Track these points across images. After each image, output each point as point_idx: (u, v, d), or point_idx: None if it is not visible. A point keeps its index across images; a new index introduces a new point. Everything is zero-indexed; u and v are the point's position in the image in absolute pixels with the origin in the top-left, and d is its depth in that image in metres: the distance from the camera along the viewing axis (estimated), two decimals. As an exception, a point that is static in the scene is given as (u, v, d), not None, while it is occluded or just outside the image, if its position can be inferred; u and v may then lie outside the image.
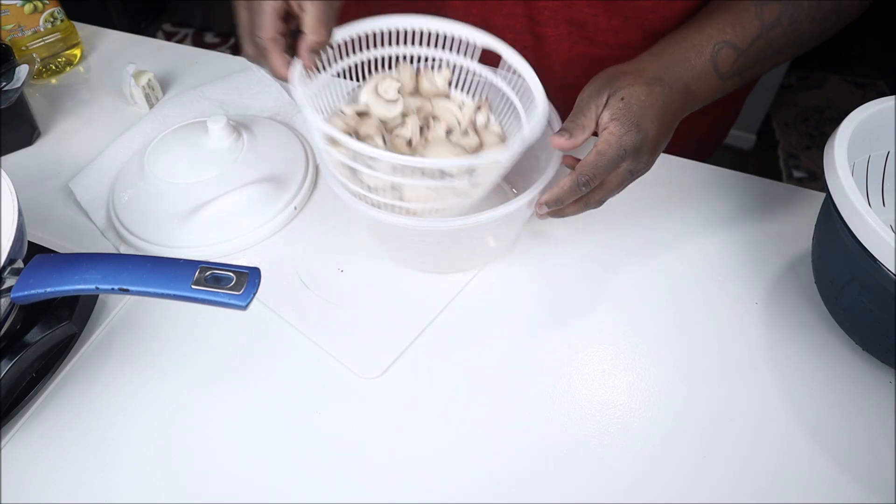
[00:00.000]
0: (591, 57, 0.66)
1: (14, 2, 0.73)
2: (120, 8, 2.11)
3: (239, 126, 0.63)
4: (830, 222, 0.45)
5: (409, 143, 0.52)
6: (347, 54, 0.53)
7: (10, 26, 0.74)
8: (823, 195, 0.47)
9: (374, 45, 0.54)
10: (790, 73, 2.00)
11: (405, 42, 0.54)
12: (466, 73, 0.55)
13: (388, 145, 0.51)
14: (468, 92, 0.57)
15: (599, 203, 0.49)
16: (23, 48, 0.76)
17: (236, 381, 0.50)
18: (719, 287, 0.54)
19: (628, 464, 0.44)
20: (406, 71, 0.55)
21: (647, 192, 0.62)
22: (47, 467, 0.45)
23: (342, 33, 0.51)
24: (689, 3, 0.58)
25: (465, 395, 0.48)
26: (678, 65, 0.49)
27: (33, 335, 0.47)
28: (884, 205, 0.54)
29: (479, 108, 0.55)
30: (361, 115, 0.53)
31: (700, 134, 0.75)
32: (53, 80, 0.80)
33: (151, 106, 0.75)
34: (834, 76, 2.01)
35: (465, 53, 0.54)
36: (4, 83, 0.65)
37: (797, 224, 0.58)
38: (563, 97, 0.55)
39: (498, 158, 0.44)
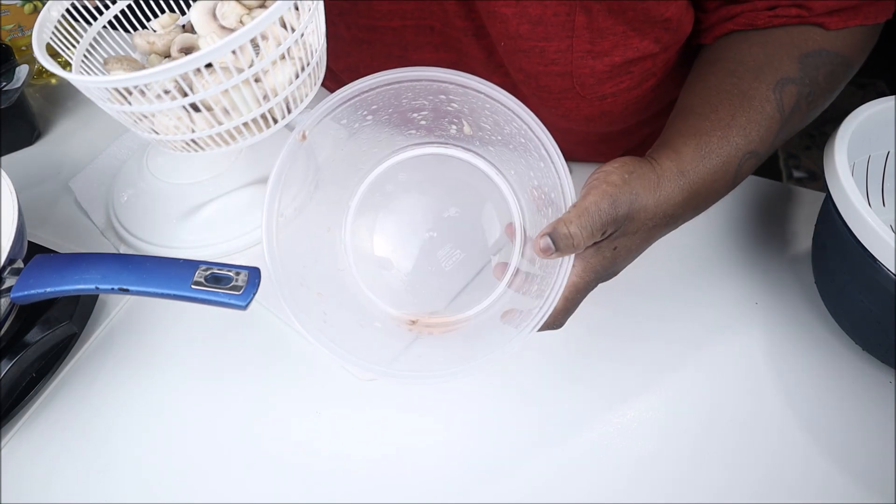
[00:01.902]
0: None
1: (14, 2, 0.73)
2: (120, 8, 2.11)
3: (239, 126, 0.63)
4: (830, 222, 0.45)
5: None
6: None
7: (10, 26, 0.74)
8: (823, 195, 0.47)
9: None
10: (790, 73, 2.00)
11: None
12: None
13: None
14: None
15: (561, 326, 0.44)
16: (23, 48, 0.76)
17: (236, 381, 0.50)
18: (719, 287, 0.54)
19: (628, 464, 0.44)
20: None
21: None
22: (47, 467, 0.45)
23: None
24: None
25: (465, 395, 0.48)
26: (704, 191, 0.43)
27: (33, 335, 0.47)
28: (884, 205, 0.54)
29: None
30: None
31: None
32: (53, 80, 0.80)
33: (151, 106, 0.75)
34: (834, 76, 2.01)
35: None
36: (4, 83, 0.65)
37: (797, 224, 0.58)
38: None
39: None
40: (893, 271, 0.40)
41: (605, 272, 0.43)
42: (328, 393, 0.49)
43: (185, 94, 0.38)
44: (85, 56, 0.45)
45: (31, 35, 0.43)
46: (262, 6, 0.43)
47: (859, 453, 0.44)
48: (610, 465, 0.44)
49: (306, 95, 0.43)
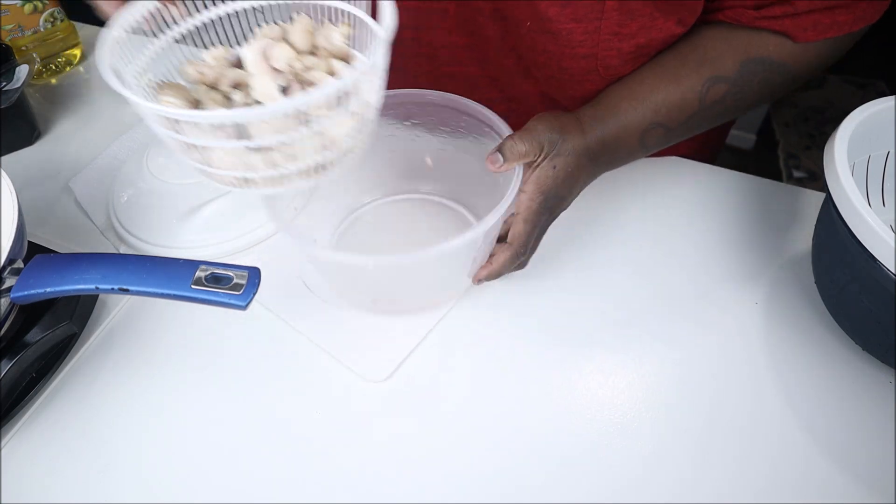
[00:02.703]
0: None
1: (14, 2, 0.73)
2: (120, 8, 2.11)
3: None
4: (830, 222, 0.45)
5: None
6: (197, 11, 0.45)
7: (10, 26, 0.74)
8: (823, 195, 0.47)
9: None
10: (790, 73, 2.00)
11: None
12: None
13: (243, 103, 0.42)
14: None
15: (526, 264, 0.52)
16: (23, 48, 0.76)
17: (236, 381, 0.50)
18: (719, 287, 0.54)
19: (628, 464, 0.44)
20: (303, 25, 0.44)
21: (646, 191, 0.62)
22: (47, 467, 0.45)
23: None
24: None
25: (465, 395, 0.48)
26: (612, 142, 0.51)
27: (33, 335, 0.47)
28: (884, 205, 0.54)
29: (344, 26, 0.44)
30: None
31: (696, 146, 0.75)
32: (53, 80, 0.80)
33: (151, 106, 0.75)
34: (834, 76, 2.00)
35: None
36: (4, 83, 0.65)
37: (797, 224, 0.58)
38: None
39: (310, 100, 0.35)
40: (893, 271, 0.40)
41: (552, 194, 0.48)
42: (328, 393, 0.49)
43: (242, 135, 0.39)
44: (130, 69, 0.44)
45: (31, 35, 0.43)
46: (313, 53, 0.45)
47: (859, 453, 0.44)
48: (610, 465, 0.44)
49: (362, 143, 0.44)
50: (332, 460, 0.45)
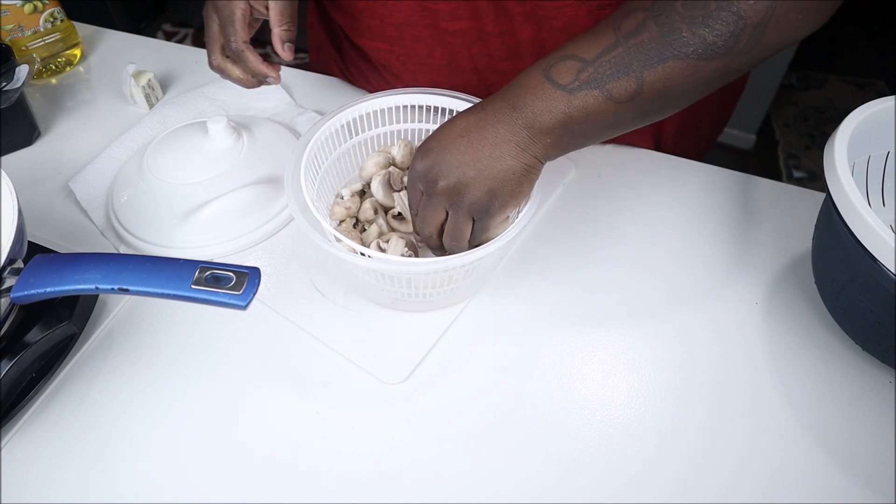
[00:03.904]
0: None
1: (14, 2, 0.73)
2: (120, 8, 2.11)
3: (239, 126, 0.63)
4: (830, 222, 0.45)
5: (399, 215, 0.56)
6: (342, 141, 0.57)
7: (10, 26, 0.74)
8: (823, 195, 0.47)
9: (367, 128, 0.58)
10: (790, 73, 2.00)
11: (393, 121, 0.59)
12: None
13: (386, 223, 0.56)
14: None
15: (451, 249, 0.49)
16: (23, 48, 0.76)
17: (236, 381, 0.50)
18: (719, 287, 0.54)
19: (628, 464, 0.44)
20: (406, 147, 0.58)
21: (646, 191, 0.62)
22: (47, 467, 0.45)
23: (332, 122, 0.54)
24: None
25: (465, 396, 0.48)
26: (505, 91, 0.45)
27: (33, 335, 0.47)
28: (884, 205, 0.54)
29: None
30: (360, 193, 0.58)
31: (690, 135, 0.75)
32: (53, 80, 0.80)
33: (151, 106, 0.75)
34: (834, 76, 2.00)
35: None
36: (4, 83, 0.65)
37: (797, 224, 0.58)
38: None
39: (490, 251, 0.45)
40: (893, 271, 0.40)
41: (427, 145, 0.46)
42: (328, 393, 0.49)
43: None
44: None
45: (31, 35, 0.44)
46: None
47: (859, 453, 0.44)
48: (610, 465, 0.44)
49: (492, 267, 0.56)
50: (332, 459, 0.45)
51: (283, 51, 0.55)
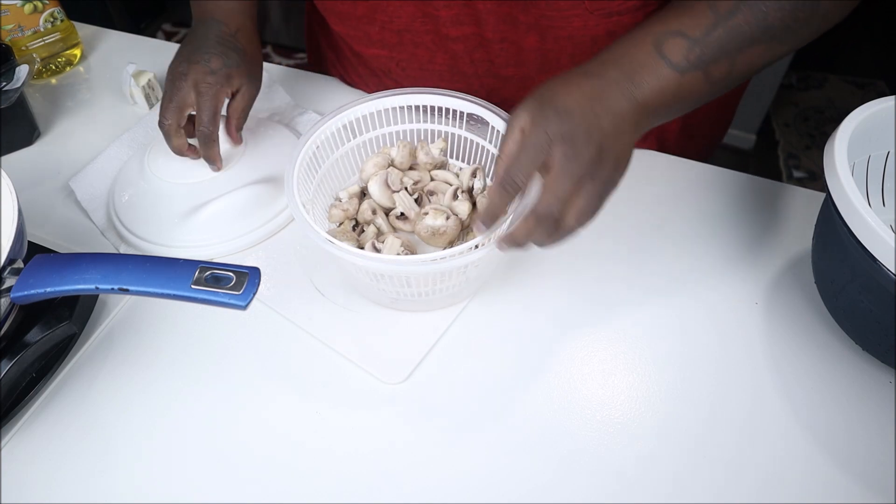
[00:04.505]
0: None
1: (14, 2, 0.73)
2: (120, 8, 2.11)
3: (239, 126, 0.63)
4: (830, 222, 0.45)
5: (402, 215, 0.57)
6: (343, 142, 0.57)
7: (10, 26, 0.74)
8: (823, 195, 0.47)
9: (367, 129, 0.59)
10: (790, 73, 2.00)
11: (395, 121, 0.59)
12: (459, 140, 0.60)
13: (387, 224, 0.57)
14: (464, 159, 0.61)
15: (570, 228, 0.43)
16: (23, 48, 0.76)
17: (236, 381, 0.50)
18: (719, 287, 0.54)
19: (628, 464, 0.44)
20: (405, 148, 0.59)
21: (646, 191, 0.62)
22: (47, 467, 0.45)
23: (332, 122, 0.55)
24: None
25: (465, 396, 0.48)
26: (617, 60, 0.44)
27: (33, 335, 0.47)
28: (884, 205, 0.54)
29: (474, 174, 0.57)
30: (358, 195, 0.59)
31: (693, 138, 0.75)
32: (53, 80, 0.80)
33: (151, 106, 0.75)
34: (834, 76, 2.00)
35: (455, 120, 0.57)
36: (4, 83, 0.65)
37: (797, 224, 0.58)
38: None
39: (489, 251, 0.45)
40: (893, 271, 0.40)
41: (543, 106, 0.42)
42: (328, 393, 0.49)
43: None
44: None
45: (31, 35, 0.44)
46: (413, 168, 0.60)
47: (859, 453, 0.45)
48: (610, 465, 0.44)
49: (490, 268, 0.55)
50: (332, 459, 0.45)
51: (235, 138, 0.60)
